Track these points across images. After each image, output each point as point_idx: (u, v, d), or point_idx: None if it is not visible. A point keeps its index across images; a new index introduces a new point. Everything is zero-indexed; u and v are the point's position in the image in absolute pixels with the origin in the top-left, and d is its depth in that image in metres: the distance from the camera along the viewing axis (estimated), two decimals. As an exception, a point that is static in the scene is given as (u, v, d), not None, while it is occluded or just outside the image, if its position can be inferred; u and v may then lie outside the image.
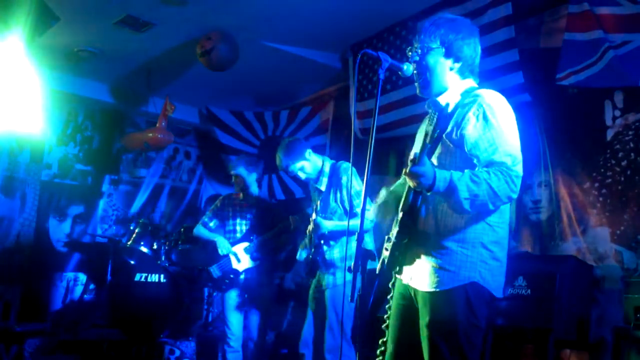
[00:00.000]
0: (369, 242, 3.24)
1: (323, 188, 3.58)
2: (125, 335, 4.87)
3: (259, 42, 5.10)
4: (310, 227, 3.54)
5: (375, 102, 2.02)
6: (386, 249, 2.06)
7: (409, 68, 2.13)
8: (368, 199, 2.08)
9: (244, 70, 5.36)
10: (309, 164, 3.59)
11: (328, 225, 3.42)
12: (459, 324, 1.92)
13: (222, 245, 4.24)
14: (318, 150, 6.17)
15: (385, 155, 5.34)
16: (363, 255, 1.94)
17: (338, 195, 3.47)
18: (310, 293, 3.60)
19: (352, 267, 1.93)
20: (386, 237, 2.09)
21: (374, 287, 2.07)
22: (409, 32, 4.63)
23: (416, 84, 2.17)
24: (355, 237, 1.99)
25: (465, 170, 1.89)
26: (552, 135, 3.96)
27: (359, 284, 1.93)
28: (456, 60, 2.11)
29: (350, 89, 5.32)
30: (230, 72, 5.03)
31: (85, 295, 6.19)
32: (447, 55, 2.10)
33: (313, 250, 3.51)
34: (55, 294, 6.15)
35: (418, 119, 4.69)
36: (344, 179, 3.41)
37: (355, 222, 3.05)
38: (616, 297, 3.40)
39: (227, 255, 4.24)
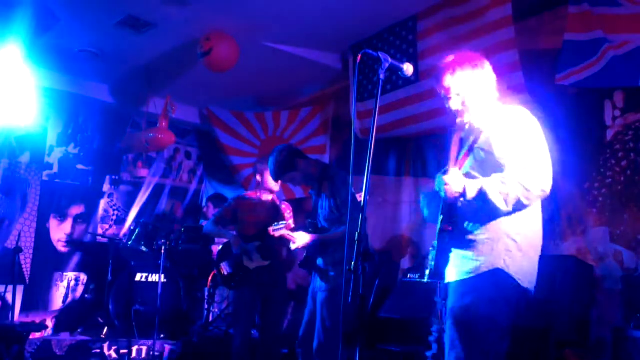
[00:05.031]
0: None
1: (316, 194, 3.54)
2: (125, 335, 4.87)
3: (259, 42, 5.10)
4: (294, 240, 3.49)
5: (375, 102, 2.02)
6: (432, 259, 2.24)
7: (409, 68, 2.16)
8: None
9: (245, 70, 5.36)
10: (299, 174, 3.49)
11: (306, 240, 3.39)
12: (481, 308, 2.07)
13: (236, 243, 4.12)
14: (318, 150, 6.19)
15: (385, 155, 5.34)
16: (362, 255, 1.93)
17: (326, 202, 3.39)
18: (309, 292, 3.56)
19: (352, 267, 1.92)
20: (430, 248, 2.28)
21: (374, 287, 2.08)
22: (409, 32, 4.63)
23: (451, 103, 2.31)
24: (356, 237, 1.99)
25: (493, 175, 2.10)
26: (552, 135, 3.95)
27: (357, 284, 1.93)
28: (486, 82, 2.31)
29: (351, 89, 5.31)
30: (231, 72, 5.02)
31: (86, 295, 6.21)
32: (479, 77, 2.29)
33: (306, 250, 3.48)
34: (56, 293, 6.16)
35: (418, 119, 4.74)
36: (332, 186, 3.34)
37: (342, 230, 3.11)
38: (616, 297, 3.40)
39: (238, 253, 4.14)
